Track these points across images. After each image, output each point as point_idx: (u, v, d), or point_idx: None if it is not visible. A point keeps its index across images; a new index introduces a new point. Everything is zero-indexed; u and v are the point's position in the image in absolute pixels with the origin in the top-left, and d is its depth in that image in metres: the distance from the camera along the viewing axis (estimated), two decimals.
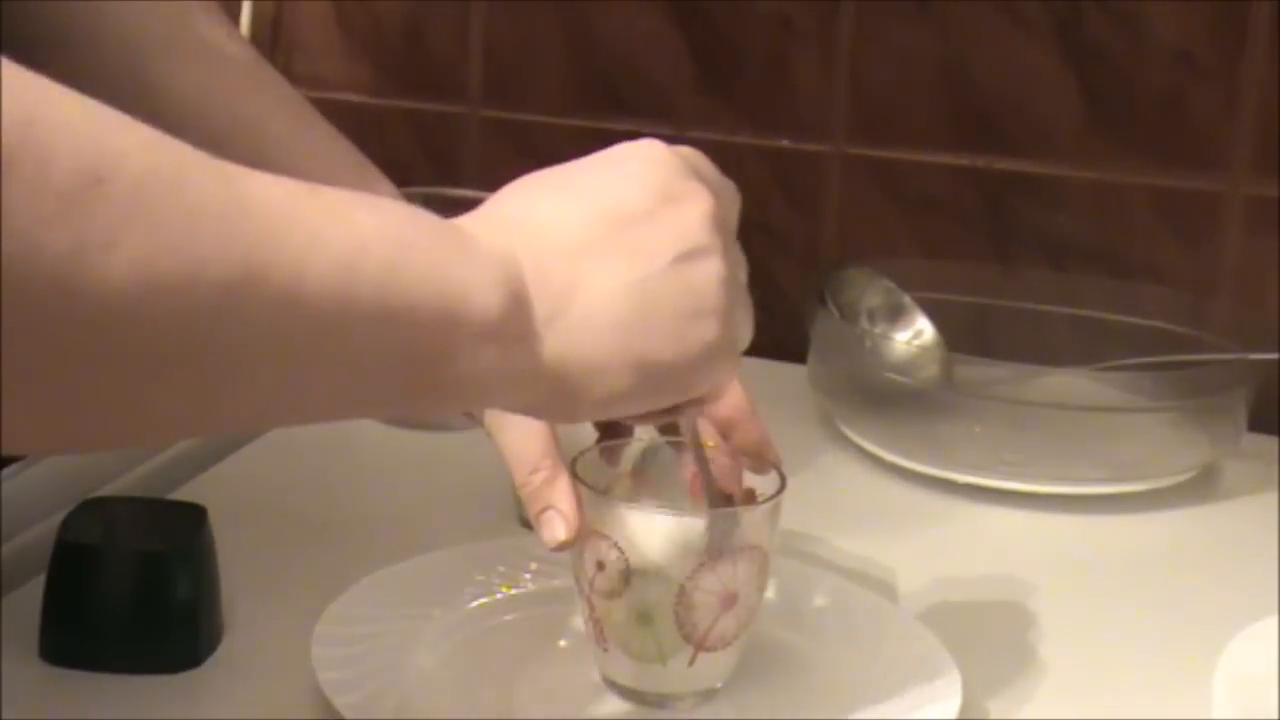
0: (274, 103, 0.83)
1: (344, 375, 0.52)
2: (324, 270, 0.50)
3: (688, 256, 0.58)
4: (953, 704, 0.71)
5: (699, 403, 0.63)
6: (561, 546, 0.69)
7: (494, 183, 0.61)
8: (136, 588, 0.74)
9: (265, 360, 0.50)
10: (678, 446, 0.73)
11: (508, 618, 0.79)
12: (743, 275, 0.62)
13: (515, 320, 0.56)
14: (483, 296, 0.54)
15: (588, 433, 0.75)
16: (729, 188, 0.63)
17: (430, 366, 0.54)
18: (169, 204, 0.46)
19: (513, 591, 0.80)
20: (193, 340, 0.47)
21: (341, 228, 0.51)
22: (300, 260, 0.49)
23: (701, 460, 0.71)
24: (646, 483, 0.74)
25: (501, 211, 0.59)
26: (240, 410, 0.52)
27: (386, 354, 0.53)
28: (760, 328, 0.63)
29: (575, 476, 0.69)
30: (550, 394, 0.58)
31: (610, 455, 0.74)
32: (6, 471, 0.87)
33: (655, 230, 0.58)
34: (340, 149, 0.83)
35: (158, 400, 0.48)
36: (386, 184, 0.83)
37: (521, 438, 0.69)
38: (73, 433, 0.48)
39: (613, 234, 0.58)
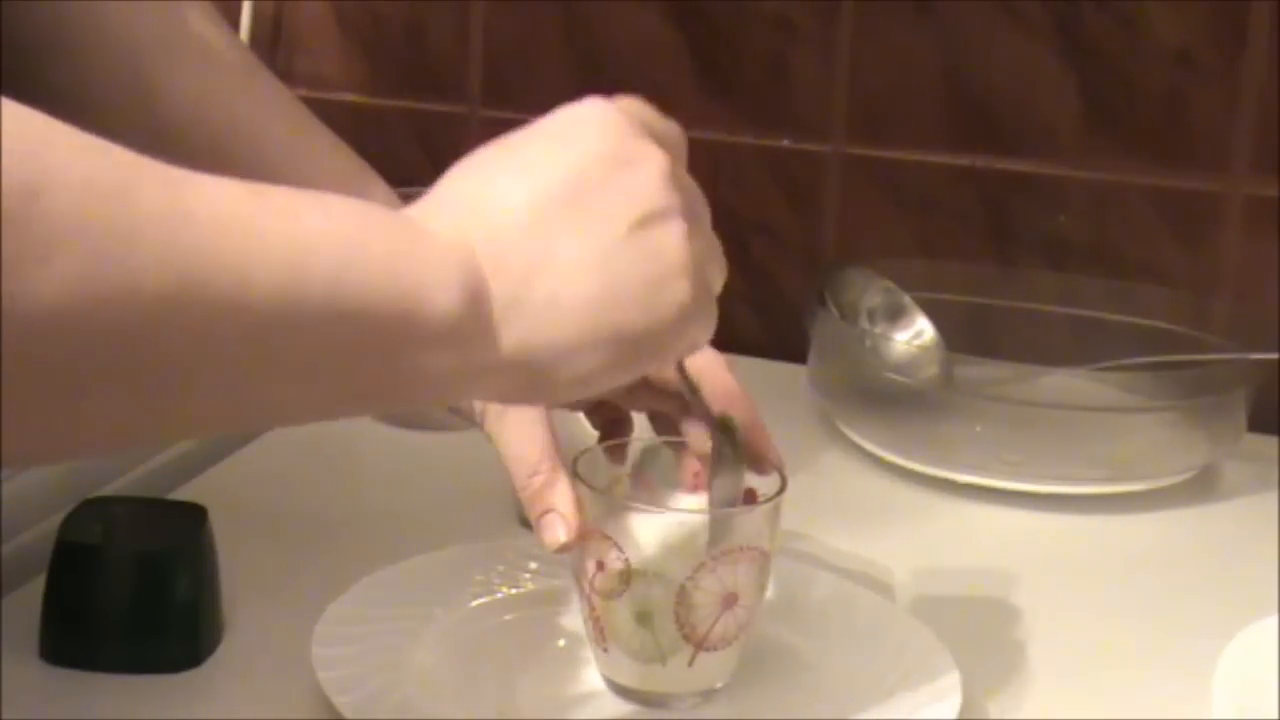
0: (271, 105, 0.82)
1: (295, 379, 0.51)
2: (269, 275, 0.49)
3: (647, 220, 0.57)
4: (953, 704, 0.71)
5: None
6: (562, 549, 0.69)
7: None
8: (136, 588, 0.74)
9: (210, 366, 0.49)
10: (678, 446, 0.73)
11: (508, 618, 0.79)
12: (707, 221, 0.61)
13: (473, 315, 0.54)
14: (438, 294, 0.53)
15: (588, 433, 0.75)
16: (673, 132, 0.62)
17: (386, 367, 0.53)
18: (107, 216, 0.45)
19: (513, 591, 0.80)
20: (134, 349, 0.47)
21: (288, 230, 0.50)
22: (244, 266, 0.48)
23: (695, 395, 0.70)
24: (646, 483, 0.74)
25: (453, 195, 0.57)
26: (188, 416, 0.51)
27: (339, 357, 0.52)
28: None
29: (576, 476, 0.69)
30: (519, 382, 0.56)
31: (611, 455, 0.74)
32: (6, 472, 0.87)
33: (610, 198, 0.57)
34: (337, 152, 0.83)
35: (99, 410, 0.48)
36: (383, 186, 0.83)
37: (520, 440, 0.69)
38: (15, 446, 0.47)
39: (567, 208, 0.56)
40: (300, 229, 0.50)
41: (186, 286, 0.47)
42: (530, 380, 0.56)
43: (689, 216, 0.58)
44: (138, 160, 0.48)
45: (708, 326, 0.60)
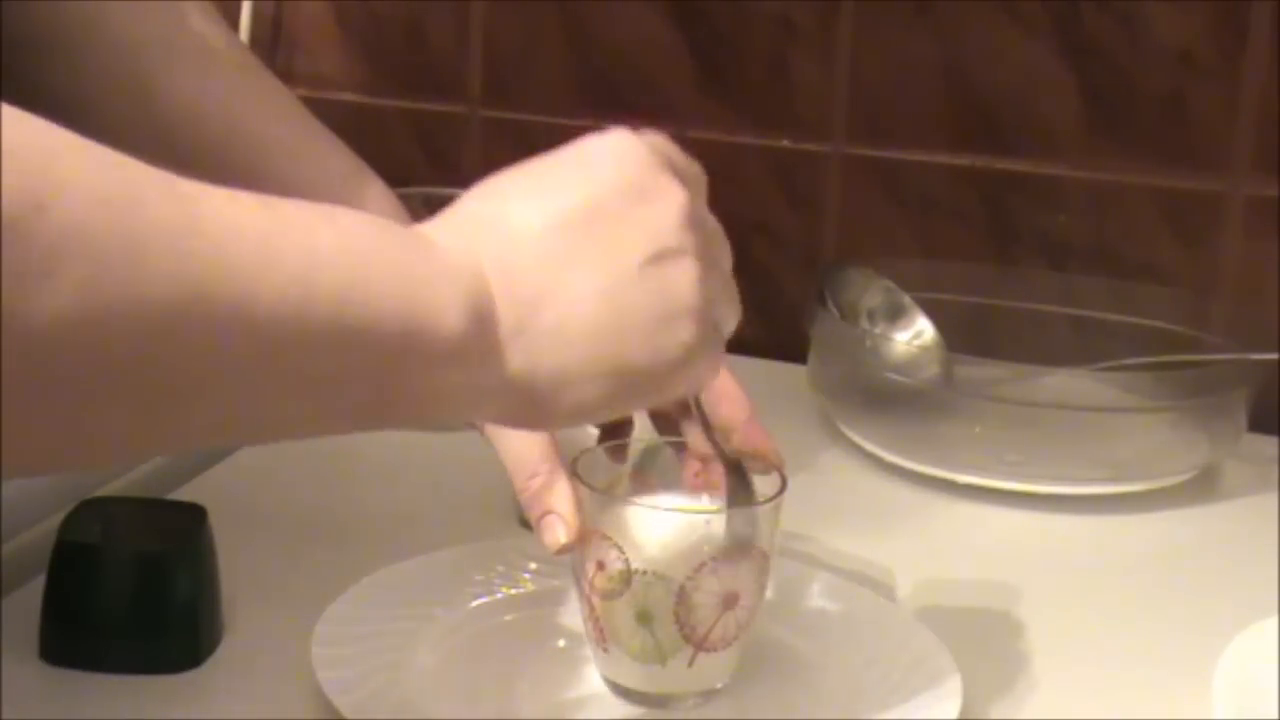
0: (271, 106, 0.82)
1: (299, 394, 0.51)
2: (276, 291, 0.48)
3: (660, 258, 0.57)
4: (953, 704, 0.71)
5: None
6: (562, 550, 0.69)
7: None
8: (136, 588, 0.74)
9: (215, 381, 0.49)
10: (678, 446, 0.73)
11: (508, 618, 0.79)
12: (726, 263, 0.61)
13: (479, 338, 0.54)
14: (445, 316, 0.53)
15: (588, 433, 0.75)
16: (694, 170, 0.62)
17: (390, 386, 0.53)
18: (113, 230, 0.45)
19: (513, 591, 0.80)
20: (137, 363, 0.46)
21: (298, 246, 0.50)
22: (252, 281, 0.48)
23: (706, 427, 0.71)
24: (647, 483, 0.74)
25: (471, 215, 0.57)
26: (192, 430, 0.51)
27: (343, 374, 0.52)
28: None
29: (575, 477, 0.69)
30: (519, 406, 0.57)
31: (611, 455, 0.74)
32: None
33: (626, 232, 0.57)
34: (337, 153, 0.83)
35: (103, 422, 0.47)
36: (382, 188, 0.83)
37: (520, 442, 0.69)
38: (17, 458, 0.47)
39: (582, 238, 0.56)
40: (310, 245, 0.50)
41: (193, 300, 0.47)
42: (529, 406, 0.57)
43: (704, 257, 0.58)
44: (147, 172, 0.47)
45: (713, 368, 0.60)
